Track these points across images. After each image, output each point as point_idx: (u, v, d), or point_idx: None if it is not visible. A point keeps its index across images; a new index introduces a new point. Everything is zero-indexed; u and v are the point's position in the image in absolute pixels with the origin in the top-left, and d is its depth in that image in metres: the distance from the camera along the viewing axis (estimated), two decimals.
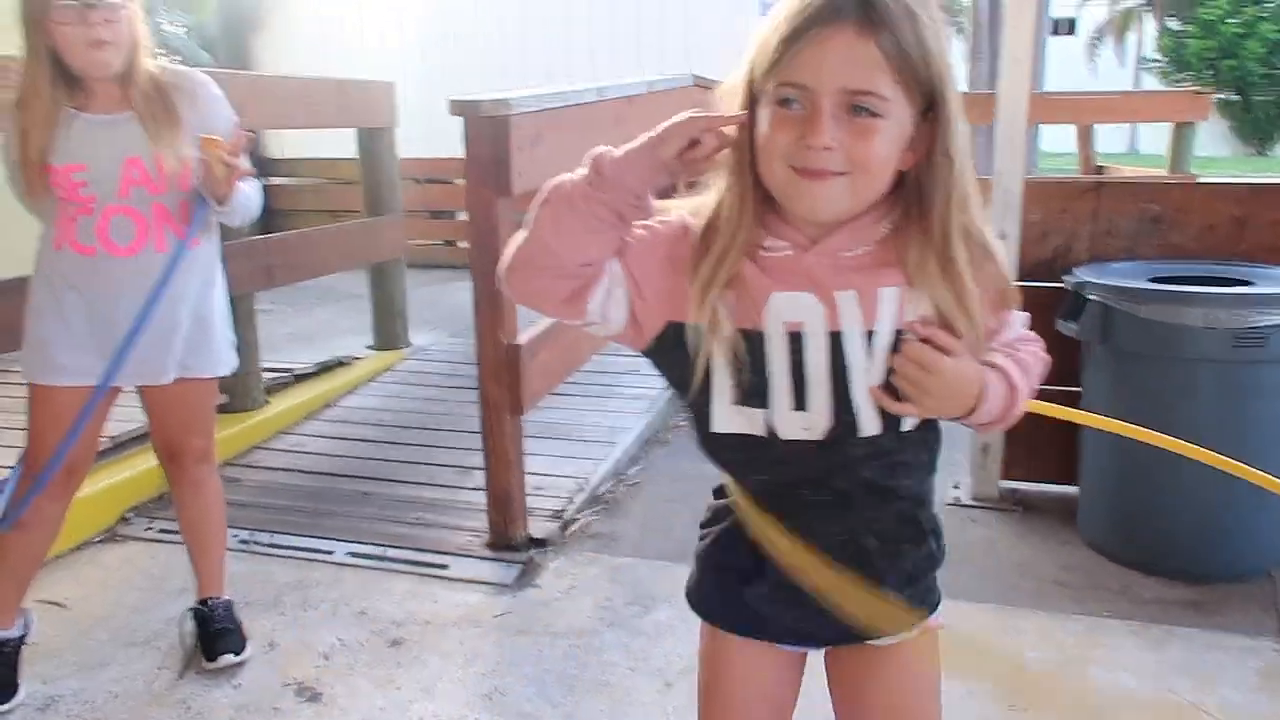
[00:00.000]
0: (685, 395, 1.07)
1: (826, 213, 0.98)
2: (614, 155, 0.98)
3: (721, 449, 1.07)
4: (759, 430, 1.03)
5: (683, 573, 1.22)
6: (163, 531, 2.90)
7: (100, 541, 2.85)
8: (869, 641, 1.13)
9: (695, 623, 1.21)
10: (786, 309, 1.00)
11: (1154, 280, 2.56)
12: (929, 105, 0.96)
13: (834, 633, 1.12)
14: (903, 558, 1.10)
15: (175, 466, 2.19)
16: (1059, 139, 10.39)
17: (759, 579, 1.10)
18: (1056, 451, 2.93)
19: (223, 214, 2.01)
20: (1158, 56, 25.47)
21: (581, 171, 0.98)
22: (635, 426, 3.71)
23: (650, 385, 4.22)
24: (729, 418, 1.04)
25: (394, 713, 2.07)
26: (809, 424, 1.02)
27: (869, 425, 1.02)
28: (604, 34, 7.99)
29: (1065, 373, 2.76)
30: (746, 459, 1.06)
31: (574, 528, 2.94)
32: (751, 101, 0.98)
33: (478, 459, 2.86)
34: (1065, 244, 2.96)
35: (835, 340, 1.00)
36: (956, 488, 3.11)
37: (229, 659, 2.18)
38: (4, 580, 2.09)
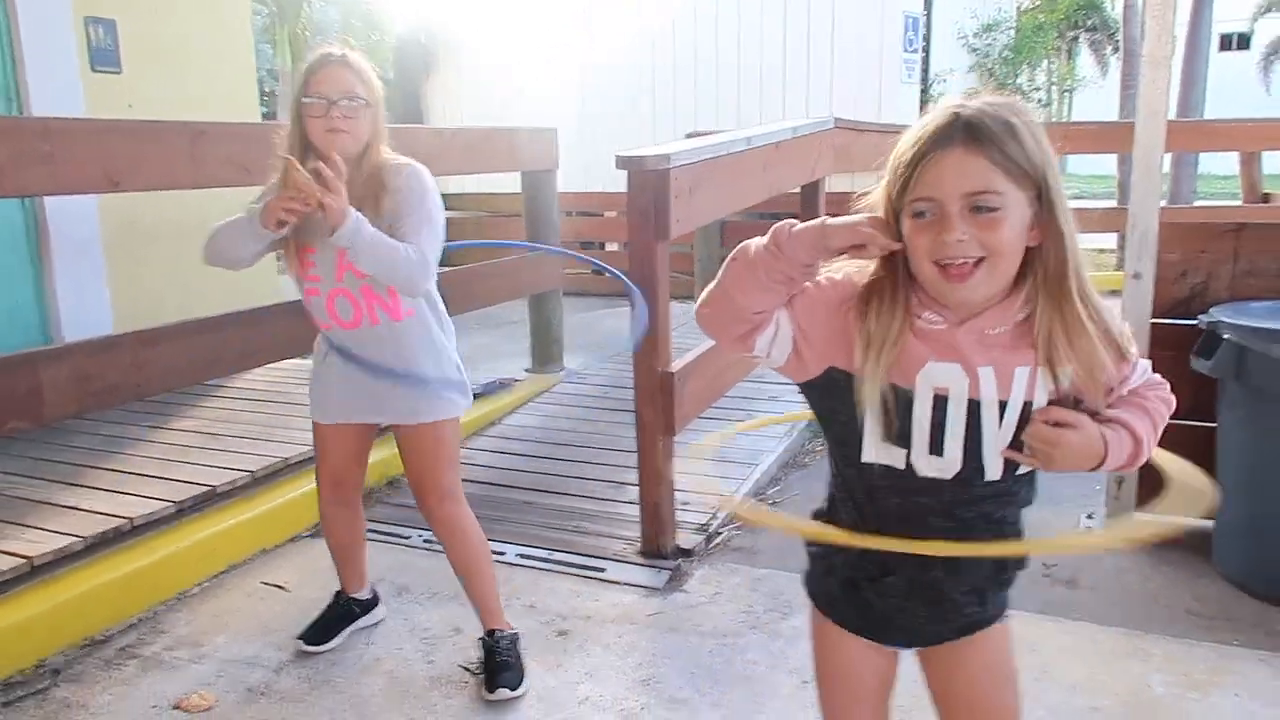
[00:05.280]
0: (832, 426, 1.31)
1: (974, 300, 1.20)
2: (791, 230, 1.19)
3: (866, 474, 1.30)
4: (899, 464, 1.27)
5: None
6: None
7: (309, 536, 3.30)
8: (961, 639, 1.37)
9: None
10: (937, 376, 1.21)
11: None
12: (1039, 190, 1.18)
13: (949, 628, 1.35)
14: (1006, 572, 1.35)
15: (422, 507, 2.41)
16: (1231, 160, 9.90)
17: (889, 577, 1.33)
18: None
19: (347, 247, 2.05)
20: None
21: (764, 240, 1.21)
22: (775, 450, 3.94)
23: (789, 412, 4.44)
24: (875, 451, 1.27)
25: (564, 691, 2.38)
26: (942, 467, 1.25)
27: (993, 472, 1.25)
28: (752, 81, 8.24)
29: (1202, 409, 2.84)
30: (887, 485, 1.29)
31: (718, 541, 3.20)
32: (894, 213, 1.20)
33: (630, 475, 3.16)
34: (1204, 284, 3.03)
35: (973, 406, 1.23)
36: (1090, 518, 3.20)
37: (505, 694, 2.33)
38: (341, 567, 2.64)
